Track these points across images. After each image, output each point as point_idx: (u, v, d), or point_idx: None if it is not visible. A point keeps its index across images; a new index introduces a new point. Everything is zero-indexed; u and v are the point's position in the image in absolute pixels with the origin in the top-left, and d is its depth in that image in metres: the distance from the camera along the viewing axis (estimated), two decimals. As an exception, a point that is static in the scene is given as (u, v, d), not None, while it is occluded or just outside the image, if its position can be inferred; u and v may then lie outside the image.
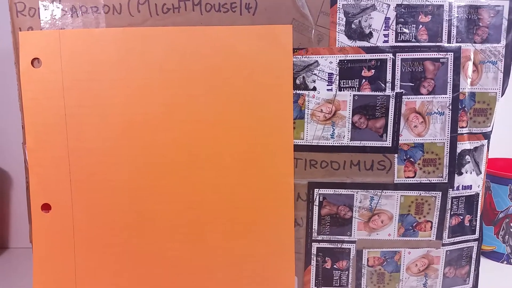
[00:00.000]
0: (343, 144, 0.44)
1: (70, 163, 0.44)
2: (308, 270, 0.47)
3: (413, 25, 0.43)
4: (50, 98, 0.43)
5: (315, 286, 0.47)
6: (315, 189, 0.45)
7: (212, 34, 0.43)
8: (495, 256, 0.63)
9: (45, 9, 0.43)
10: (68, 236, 0.45)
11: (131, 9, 0.43)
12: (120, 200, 0.44)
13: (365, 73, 0.43)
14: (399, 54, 0.43)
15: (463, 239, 0.47)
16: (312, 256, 0.46)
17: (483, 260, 0.59)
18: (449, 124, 0.44)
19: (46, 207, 0.44)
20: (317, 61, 0.43)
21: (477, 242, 0.48)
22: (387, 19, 0.43)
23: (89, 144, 0.43)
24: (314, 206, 0.45)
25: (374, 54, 0.43)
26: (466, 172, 0.46)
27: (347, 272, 0.47)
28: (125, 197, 0.44)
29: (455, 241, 0.47)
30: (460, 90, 0.44)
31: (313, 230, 0.46)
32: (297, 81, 0.44)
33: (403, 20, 0.43)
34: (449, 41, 0.44)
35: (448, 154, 0.45)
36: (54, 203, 0.44)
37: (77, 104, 0.43)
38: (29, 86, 0.43)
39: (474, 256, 0.48)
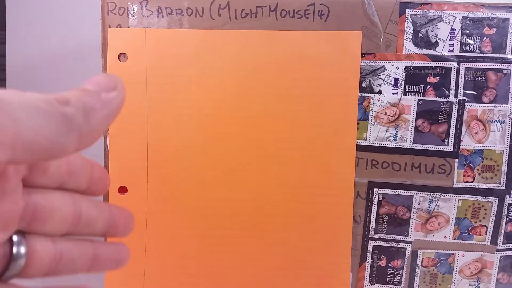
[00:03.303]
0: (405, 147, 0.46)
1: (149, 151, 0.47)
2: (363, 266, 0.49)
3: (477, 37, 0.45)
4: (134, 90, 0.47)
5: (369, 282, 0.49)
6: (375, 189, 0.47)
7: (285, 38, 0.46)
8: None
9: (133, 9, 0.47)
10: (141, 218, 0.48)
11: (213, 13, 0.46)
12: (191, 187, 0.47)
13: (430, 79, 0.45)
14: (463, 63, 0.45)
15: (518, 246, 0.48)
16: (368, 253, 0.48)
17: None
18: (509, 132, 0.46)
19: (122, 190, 0.48)
20: (384, 66, 0.46)
21: (531, 250, 0.49)
22: (452, 30, 0.45)
23: (166, 133, 0.47)
24: (373, 205, 0.47)
25: (439, 62, 0.45)
26: (523, 181, 0.47)
27: (401, 271, 0.48)
28: (195, 184, 0.47)
29: (510, 247, 0.48)
30: (521, 101, 0.46)
31: (371, 228, 0.48)
32: (363, 84, 0.46)
33: (468, 31, 0.45)
34: (512, 53, 0.45)
35: (506, 162, 0.46)
36: (131, 186, 0.48)
37: (158, 97, 0.47)
38: (114, 79, 0.47)
39: (528, 264, 0.49)
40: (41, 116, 0.18)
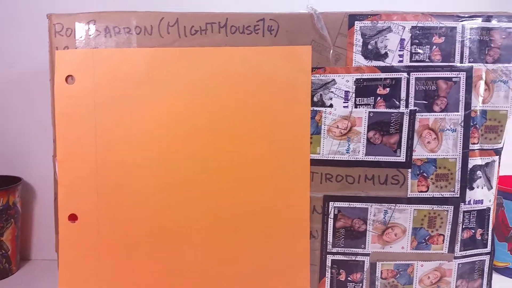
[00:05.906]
0: (358, 159, 0.46)
1: (98, 176, 0.46)
2: (323, 282, 0.48)
3: (427, 46, 0.45)
4: (82, 113, 0.46)
5: (330, 296, 0.48)
6: (330, 202, 0.47)
7: (236, 54, 0.46)
8: (508, 272, 0.63)
9: (81, 30, 0.46)
10: (93, 245, 0.47)
11: (161, 30, 0.46)
12: (143, 211, 0.46)
13: (380, 91, 0.45)
14: (413, 73, 0.45)
15: (475, 253, 0.48)
16: (327, 268, 0.48)
17: (496, 276, 0.60)
18: (461, 140, 0.46)
19: (73, 218, 0.47)
20: (334, 79, 0.46)
21: (489, 255, 0.49)
22: (402, 40, 0.45)
23: (116, 157, 0.46)
24: (329, 219, 0.47)
25: (389, 73, 0.45)
26: (478, 187, 0.47)
27: (361, 284, 0.48)
28: (148, 208, 0.46)
29: (467, 254, 0.48)
30: (472, 108, 0.46)
31: (328, 242, 0.47)
32: (315, 99, 0.46)
33: (417, 41, 0.45)
34: (461, 61, 0.46)
35: (460, 169, 0.46)
36: (81, 213, 0.47)
37: (107, 119, 0.46)
38: (62, 102, 0.46)
39: (486, 269, 0.49)
40: None
